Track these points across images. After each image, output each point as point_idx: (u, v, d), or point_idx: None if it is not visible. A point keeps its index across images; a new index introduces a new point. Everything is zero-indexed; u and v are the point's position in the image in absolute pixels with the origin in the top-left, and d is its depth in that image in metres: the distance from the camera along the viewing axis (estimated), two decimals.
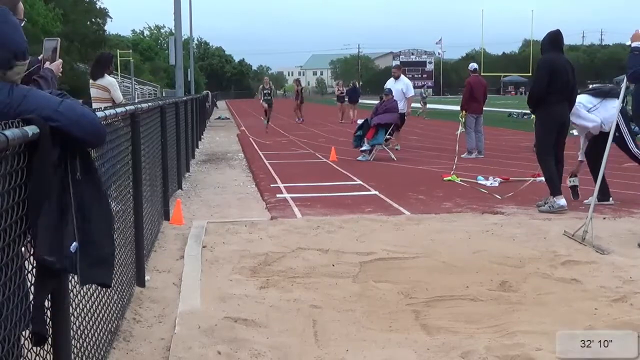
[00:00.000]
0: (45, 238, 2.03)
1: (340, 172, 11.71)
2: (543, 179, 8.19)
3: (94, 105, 7.67)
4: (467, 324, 4.08)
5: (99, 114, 3.28)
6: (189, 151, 12.94)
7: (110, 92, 7.98)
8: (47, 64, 3.14)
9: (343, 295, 4.69)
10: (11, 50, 2.09)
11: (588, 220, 6.10)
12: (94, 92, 8.08)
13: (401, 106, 14.40)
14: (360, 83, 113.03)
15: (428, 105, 35.24)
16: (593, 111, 7.91)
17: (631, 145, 7.78)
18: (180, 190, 9.58)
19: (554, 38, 7.95)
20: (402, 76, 15.49)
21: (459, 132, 12.94)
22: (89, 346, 3.10)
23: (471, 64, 15.11)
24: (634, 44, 6.33)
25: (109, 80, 8.04)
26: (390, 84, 15.07)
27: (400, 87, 14.85)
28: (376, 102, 17.78)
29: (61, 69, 3.26)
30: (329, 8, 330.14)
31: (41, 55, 3.24)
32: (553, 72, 7.70)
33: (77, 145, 2.15)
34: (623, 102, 7.17)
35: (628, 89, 7.02)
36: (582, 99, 8.05)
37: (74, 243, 2.05)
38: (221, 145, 18.31)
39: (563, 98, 7.77)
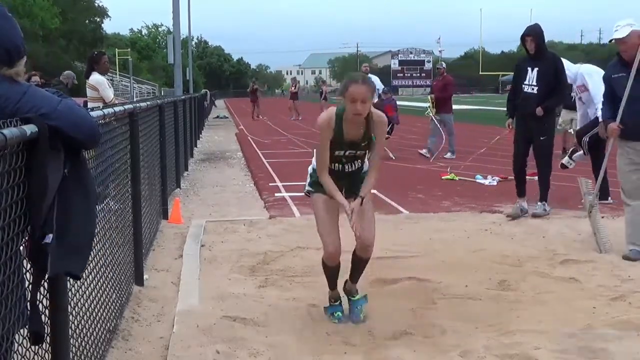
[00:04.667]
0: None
1: None
2: (536, 178, 8.11)
3: (89, 105, 7.65)
4: (465, 323, 4.08)
5: (98, 112, 3.28)
6: (187, 150, 12.93)
7: (99, 90, 7.94)
8: None
9: (342, 294, 4.68)
10: (9, 47, 2.08)
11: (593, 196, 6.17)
12: (87, 91, 8.10)
13: None
14: None
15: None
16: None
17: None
18: (178, 189, 9.58)
19: None
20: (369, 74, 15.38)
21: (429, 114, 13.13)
22: (87, 345, 3.10)
23: (442, 63, 15.05)
24: None
25: (95, 78, 7.98)
26: None
27: None
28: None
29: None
30: (328, 7, 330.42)
31: None
32: None
33: (71, 144, 2.13)
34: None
35: None
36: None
37: (50, 235, 2.03)
38: (220, 144, 18.30)
39: None
